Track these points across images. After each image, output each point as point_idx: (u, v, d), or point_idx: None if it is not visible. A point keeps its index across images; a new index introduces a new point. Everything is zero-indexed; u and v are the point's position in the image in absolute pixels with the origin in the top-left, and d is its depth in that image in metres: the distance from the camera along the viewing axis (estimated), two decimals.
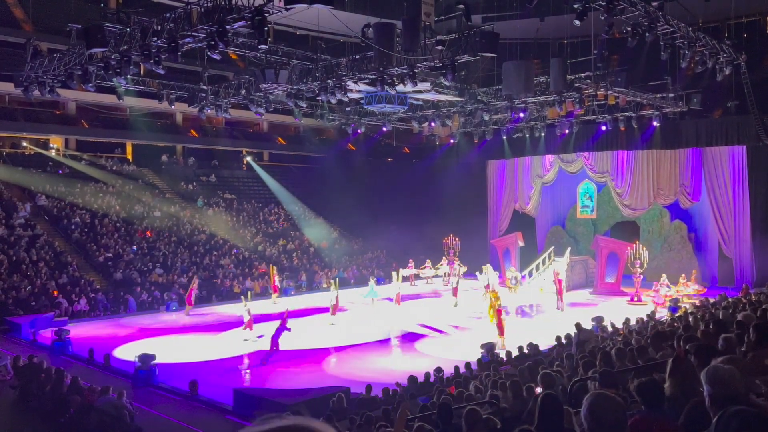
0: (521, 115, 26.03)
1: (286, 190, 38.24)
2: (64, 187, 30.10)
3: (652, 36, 16.14)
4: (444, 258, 31.99)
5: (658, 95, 24.39)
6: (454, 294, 25.97)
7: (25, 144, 33.55)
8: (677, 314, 17.34)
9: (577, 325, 14.92)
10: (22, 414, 13.25)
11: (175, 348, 18.58)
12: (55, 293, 23.35)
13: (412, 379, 12.70)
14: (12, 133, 32.76)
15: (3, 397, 14.09)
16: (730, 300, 17.53)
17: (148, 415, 12.77)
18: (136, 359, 15.33)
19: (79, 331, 19.81)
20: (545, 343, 15.97)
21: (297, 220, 36.85)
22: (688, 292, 24.31)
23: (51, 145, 34.63)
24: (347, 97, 21.80)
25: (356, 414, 9.70)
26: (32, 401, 13.18)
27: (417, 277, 31.99)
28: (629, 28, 16.02)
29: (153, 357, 15.38)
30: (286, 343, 18.30)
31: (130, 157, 36.88)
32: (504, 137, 30.89)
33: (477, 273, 27.22)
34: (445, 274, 31.61)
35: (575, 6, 15.00)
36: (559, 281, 24.30)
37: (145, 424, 11.75)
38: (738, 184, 28.14)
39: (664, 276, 25.31)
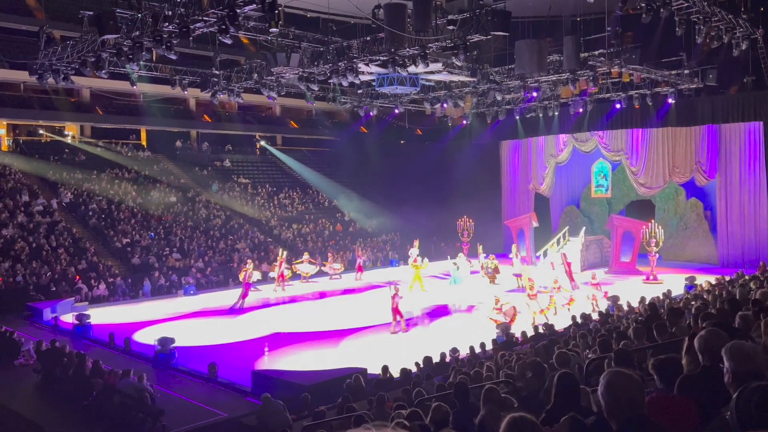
0: (534, 94, 25.85)
1: (306, 169, 38.45)
2: (81, 174, 30.40)
3: (666, 11, 15.87)
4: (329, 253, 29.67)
5: (673, 72, 24.07)
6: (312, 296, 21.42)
7: (41, 131, 33.88)
8: (693, 292, 17.28)
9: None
10: (46, 397, 13.57)
11: (194, 331, 18.80)
12: (78, 278, 23.69)
13: (427, 359, 12.79)
14: (28, 120, 33.12)
15: (27, 380, 14.39)
16: (747, 278, 17.42)
17: (169, 397, 13.00)
18: (156, 343, 15.56)
19: (99, 315, 20.12)
20: (561, 323, 16.02)
21: (311, 204, 36.98)
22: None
23: (66, 133, 34.92)
24: (359, 79, 21.73)
25: (373, 395, 9.79)
26: (55, 385, 13.47)
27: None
28: (643, 4, 15.75)
29: (172, 340, 15.60)
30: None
31: (144, 143, 37.15)
32: (517, 117, 30.69)
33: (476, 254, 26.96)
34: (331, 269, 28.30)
35: None
36: (569, 263, 23.59)
37: (166, 405, 11.96)
38: (755, 160, 27.81)
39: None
